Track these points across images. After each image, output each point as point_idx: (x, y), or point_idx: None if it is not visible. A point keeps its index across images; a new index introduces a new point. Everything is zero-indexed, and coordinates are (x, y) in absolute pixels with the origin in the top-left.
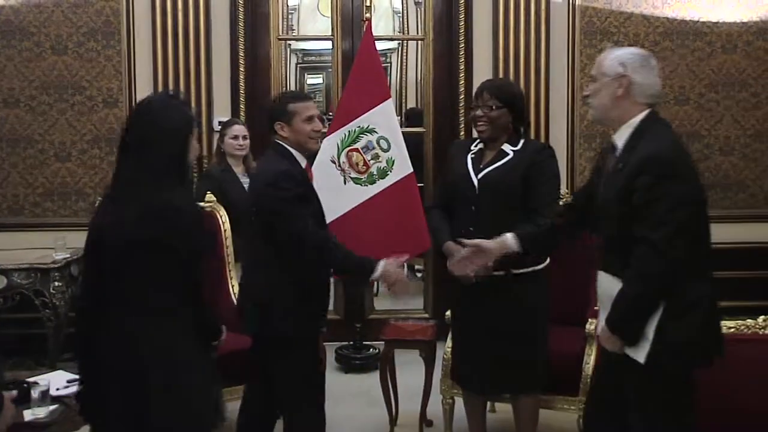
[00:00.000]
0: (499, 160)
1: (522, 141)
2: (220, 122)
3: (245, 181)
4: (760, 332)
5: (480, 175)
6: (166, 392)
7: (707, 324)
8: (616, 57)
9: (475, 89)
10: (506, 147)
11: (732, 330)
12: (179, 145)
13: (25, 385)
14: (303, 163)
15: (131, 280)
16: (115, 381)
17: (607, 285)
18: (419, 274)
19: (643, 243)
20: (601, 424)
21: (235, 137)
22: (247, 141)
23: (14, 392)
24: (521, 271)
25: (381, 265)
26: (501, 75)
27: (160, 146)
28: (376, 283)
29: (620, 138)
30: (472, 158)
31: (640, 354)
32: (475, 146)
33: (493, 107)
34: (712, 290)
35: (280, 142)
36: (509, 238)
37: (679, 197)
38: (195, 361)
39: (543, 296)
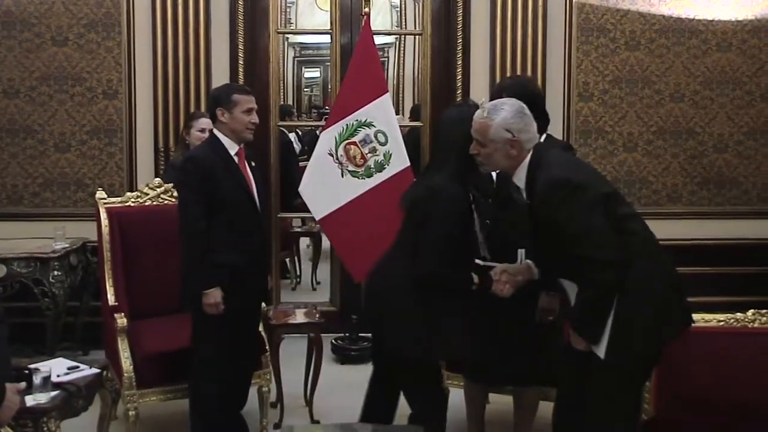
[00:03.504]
0: None
1: (544, 136)
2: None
3: None
4: (749, 326)
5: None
6: None
7: (659, 311)
8: (499, 124)
9: (472, 84)
10: None
11: (722, 323)
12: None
13: (27, 371)
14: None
15: None
16: None
17: (571, 286)
18: None
19: (583, 261)
20: (569, 414)
21: (202, 130)
22: None
23: (22, 384)
24: None
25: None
26: (498, 70)
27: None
28: None
29: (519, 179)
30: None
31: (600, 349)
32: None
33: None
34: (660, 270)
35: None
36: (532, 265)
37: (586, 205)
38: None
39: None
